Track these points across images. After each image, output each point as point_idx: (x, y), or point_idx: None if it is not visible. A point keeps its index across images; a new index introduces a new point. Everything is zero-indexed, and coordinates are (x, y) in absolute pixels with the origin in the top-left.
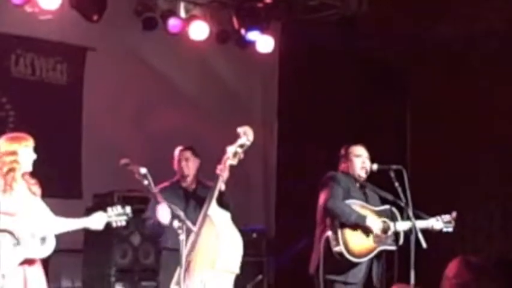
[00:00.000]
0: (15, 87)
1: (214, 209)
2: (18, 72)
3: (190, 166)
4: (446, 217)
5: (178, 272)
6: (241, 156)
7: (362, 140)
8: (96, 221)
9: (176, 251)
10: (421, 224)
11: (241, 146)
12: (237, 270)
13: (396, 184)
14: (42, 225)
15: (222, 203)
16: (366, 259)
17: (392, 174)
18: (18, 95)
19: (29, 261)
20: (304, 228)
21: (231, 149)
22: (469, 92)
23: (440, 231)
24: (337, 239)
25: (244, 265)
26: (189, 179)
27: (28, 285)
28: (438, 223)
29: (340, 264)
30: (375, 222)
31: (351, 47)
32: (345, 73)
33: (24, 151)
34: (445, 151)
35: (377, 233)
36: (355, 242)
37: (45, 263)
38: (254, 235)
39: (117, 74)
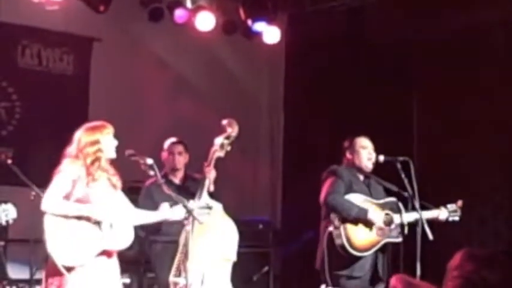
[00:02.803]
0: (21, 77)
1: (207, 201)
2: (25, 62)
3: (181, 160)
4: (452, 206)
5: (177, 263)
6: (228, 148)
7: (369, 130)
8: (177, 213)
9: (170, 243)
10: (426, 214)
11: (228, 137)
12: (233, 258)
13: (403, 175)
14: (121, 217)
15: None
16: (369, 253)
17: (398, 166)
18: (25, 85)
19: (107, 253)
20: (310, 220)
21: (218, 141)
22: (478, 83)
23: (446, 221)
24: (339, 234)
25: (250, 256)
26: (179, 173)
27: (105, 276)
28: (443, 212)
29: (344, 258)
30: (377, 216)
31: (358, 38)
32: (351, 64)
33: (106, 139)
34: (452, 143)
35: (380, 226)
36: (358, 236)
37: None
38: (260, 226)
39: (123, 65)
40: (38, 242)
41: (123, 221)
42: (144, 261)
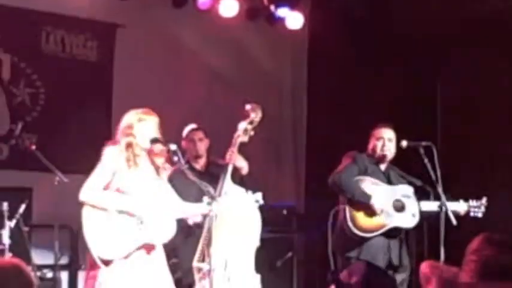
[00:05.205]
0: (45, 64)
1: (229, 186)
2: (49, 49)
3: (203, 147)
4: (474, 202)
5: (201, 249)
6: (252, 133)
7: (393, 116)
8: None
9: (195, 228)
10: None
11: (251, 122)
12: (257, 243)
13: (426, 161)
14: (163, 209)
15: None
16: (374, 235)
17: (422, 151)
18: (49, 72)
19: (147, 247)
20: (334, 205)
21: (241, 126)
22: (503, 70)
23: (467, 215)
24: (344, 214)
25: (274, 242)
26: (202, 159)
27: (145, 271)
28: (463, 206)
29: (352, 240)
30: (382, 202)
31: (382, 23)
32: (375, 49)
33: (139, 126)
34: (477, 130)
35: (389, 211)
36: (364, 217)
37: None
38: (284, 212)
39: (147, 51)
40: (62, 227)
41: (163, 213)
42: (168, 246)
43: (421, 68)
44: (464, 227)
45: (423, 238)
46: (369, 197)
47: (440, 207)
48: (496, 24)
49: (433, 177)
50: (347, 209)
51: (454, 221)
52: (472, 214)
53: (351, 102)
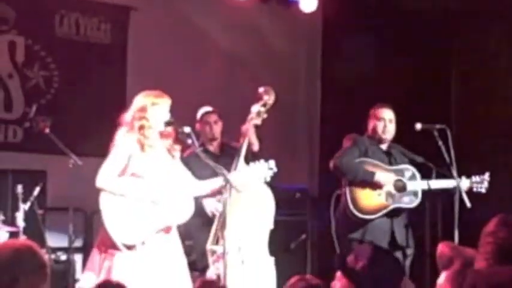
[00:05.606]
0: (59, 47)
1: (243, 168)
2: (63, 32)
3: (218, 129)
4: (476, 178)
5: (214, 231)
6: (265, 116)
7: (406, 98)
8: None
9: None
10: (446, 183)
11: (264, 105)
12: (271, 226)
13: (440, 143)
14: (180, 189)
15: (250, 161)
16: (376, 216)
17: (436, 134)
18: (63, 54)
19: (165, 228)
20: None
21: (254, 109)
22: None
23: (470, 191)
24: (345, 197)
25: (287, 224)
26: (217, 142)
27: (165, 254)
28: (466, 182)
29: (355, 222)
30: (385, 179)
31: (397, 4)
32: (389, 31)
33: (153, 109)
34: (491, 110)
35: (389, 191)
36: (364, 199)
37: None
38: (298, 194)
39: (160, 34)
40: (76, 210)
41: (181, 194)
42: (182, 228)
43: (436, 49)
44: (479, 209)
45: (437, 220)
46: (372, 174)
47: (453, 189)
48: None
49: (448, 159)
50: (348, 191)
51: (468, 204)
52: (474, 190)
53: (365, 84)
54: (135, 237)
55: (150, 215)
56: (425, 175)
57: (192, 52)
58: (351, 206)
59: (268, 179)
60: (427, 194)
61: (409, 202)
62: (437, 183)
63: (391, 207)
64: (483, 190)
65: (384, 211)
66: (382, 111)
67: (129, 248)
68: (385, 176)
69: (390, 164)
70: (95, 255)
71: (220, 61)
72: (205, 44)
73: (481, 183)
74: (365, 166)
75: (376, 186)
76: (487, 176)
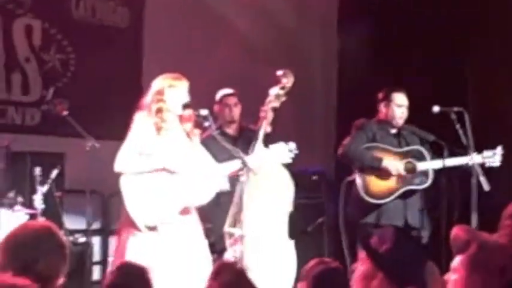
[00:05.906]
0: (75, 30)
1: (261, 150)
2: (79, 15)
3: (237, 112)
4: (488, 152)
5: (232, 214)
6: (283, 99)
7: (424, 81)
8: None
9: (226, 193)
10: (457, 160)
11: (283, 88)
12: (289, 208)
13: (457, 126)
14: (199, 170)
15: (268, 144)
16: (388, 200)
17: (453, 116)
18: (79, 38)
19: (185, 210)
20: None
21: (273, 92)
22: None
23: (483, 166)
24: (356, 183)
25: (304, 207)
26: (235, 124)
27: (185, 235)
28: (478, 158)
29: (367, 207)
30: (394, 164)
31: None
32: (406, 13)
33: (170, 92)
34: (509, 93)
35: (400, 173)
36: (376, 184)
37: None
38: (314, 177)
39: (176, 18)
40: (93, 192)
41: (199, 175)
42: (201, 211)
43: (453, 31)
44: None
45: (454, 204)
46: (380, 160)
47: (471, 173)
48: None
49: (465, 142)
50: (358, 177)
51: (486, 187)
52: (487, 165)
53: (382, 67)
54: (156, 218)
55: (170, 195)
56: (438, 153)
57: (208, 35)
58: (362, 193)
59: (290, 161)
60: (443, 175)
61: (420, 183)
62: (449, 162)
63: (403, 189)
64: (496, 163)
65: (396, 194)
66: (401, 97)
67: (151, 229)
68: (394, 160)
69: (400, 145)
70: (118, 237)
71: (235, 44)
72: (221, 27)
73: (493, 157)
74: (373, 152)
75: (385, 171)
76: (499, 149)
